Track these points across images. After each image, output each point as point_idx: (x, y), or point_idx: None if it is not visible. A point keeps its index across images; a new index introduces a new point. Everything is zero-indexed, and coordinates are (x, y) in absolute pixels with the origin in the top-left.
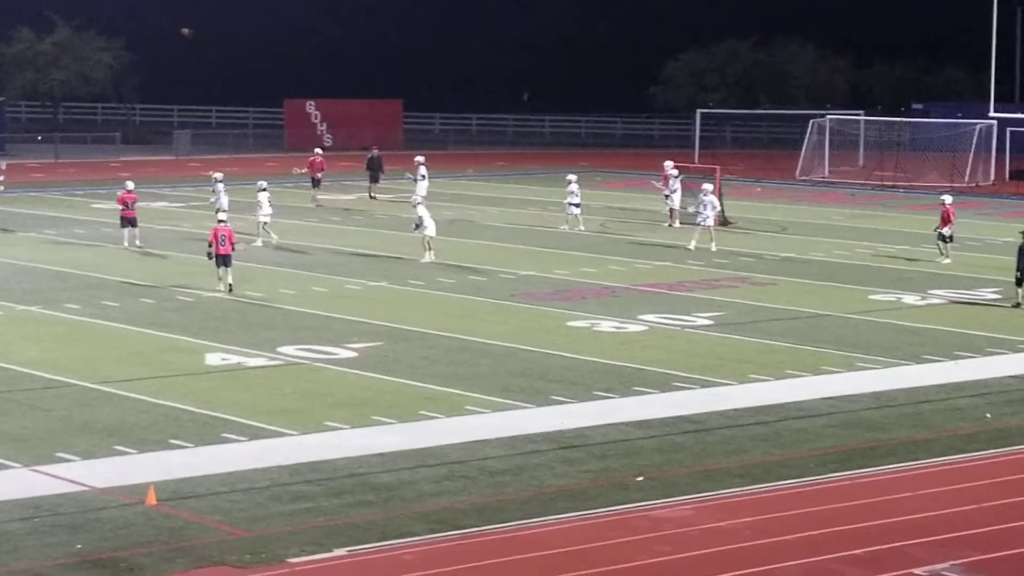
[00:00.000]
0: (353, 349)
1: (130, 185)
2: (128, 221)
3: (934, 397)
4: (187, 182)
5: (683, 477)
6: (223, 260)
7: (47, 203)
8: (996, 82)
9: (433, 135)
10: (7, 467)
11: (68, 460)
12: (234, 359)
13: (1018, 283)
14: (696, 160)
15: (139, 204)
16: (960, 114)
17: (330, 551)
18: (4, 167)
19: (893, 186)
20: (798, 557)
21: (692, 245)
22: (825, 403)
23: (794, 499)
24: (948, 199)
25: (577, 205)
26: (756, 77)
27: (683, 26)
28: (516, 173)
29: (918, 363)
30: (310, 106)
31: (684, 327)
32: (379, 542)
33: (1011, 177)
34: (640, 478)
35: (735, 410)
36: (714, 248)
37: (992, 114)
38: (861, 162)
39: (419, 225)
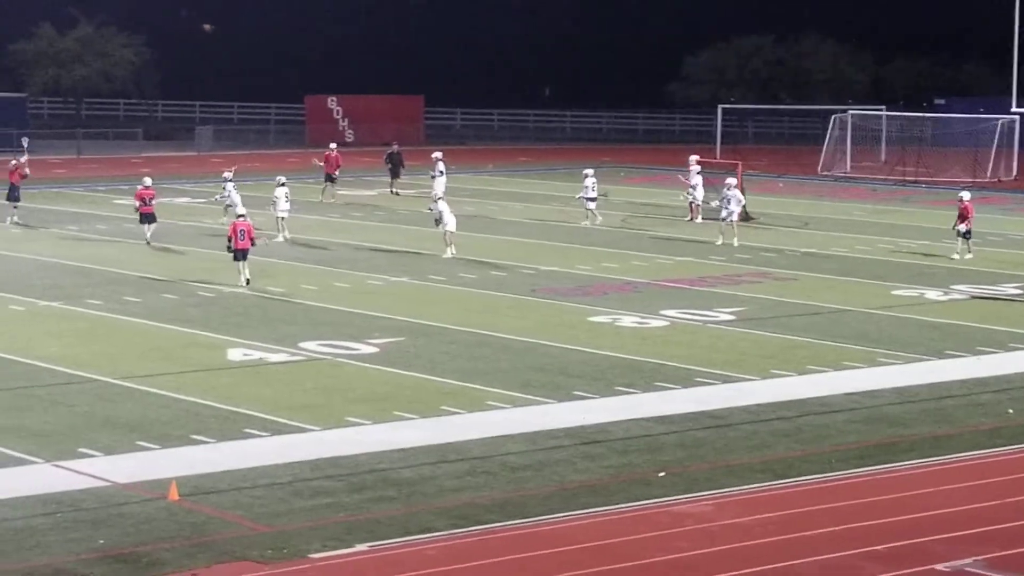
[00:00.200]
0: (374, 344)
1: (148, 181)
2: (147, 217)
3: (956, 393)
4: (209, 178)
5: (705, 473)
6: (241, 254)
7: (69, 199)
8: (1018, 77)
9: (454, 131)
10: (30, 462)
11: (90, 455)
12: (256, 355)
13: None
14: (718, 156)
15: (162, 200)
16: (982, 109)
17: (351, 546)
18: (25, 160)
19: (915, 181)
20: (820, 553)
21: (728, 240)
22: (847, 399)
23: (816, 495)
24: (966, 195)
25: (593, 200)
26: (777, 73)
27: (704, 22)
28: (537, 169)
29: (940, 358)
30: (331, 102)
31: (706, 322)
32: (400, 537)
33: None
34: (662, 474)
35: (757, 405)
36: (736, 243)
37: (1014, 109)
38: (883, 157)
39: (439, 221)
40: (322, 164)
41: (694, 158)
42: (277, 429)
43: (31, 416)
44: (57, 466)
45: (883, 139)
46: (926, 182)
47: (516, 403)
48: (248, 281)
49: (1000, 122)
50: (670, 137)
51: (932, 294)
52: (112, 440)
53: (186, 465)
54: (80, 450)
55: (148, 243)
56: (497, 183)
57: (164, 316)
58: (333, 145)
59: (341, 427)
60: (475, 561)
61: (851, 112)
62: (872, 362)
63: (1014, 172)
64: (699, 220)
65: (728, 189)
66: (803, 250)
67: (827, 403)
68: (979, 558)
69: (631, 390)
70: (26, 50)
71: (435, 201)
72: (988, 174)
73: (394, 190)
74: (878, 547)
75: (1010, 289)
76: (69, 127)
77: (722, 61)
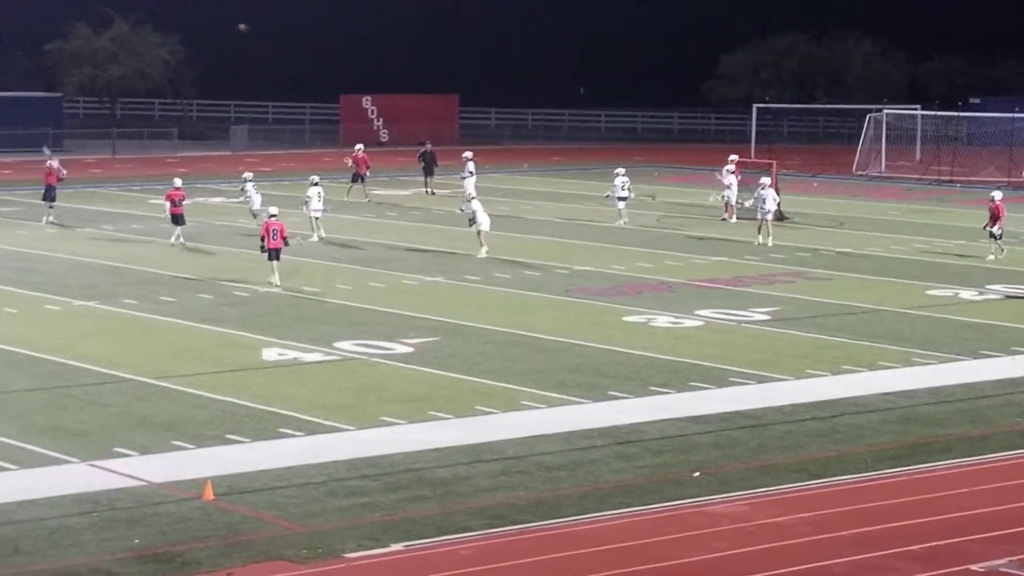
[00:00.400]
0: (409, 344)
1: (178, 182)
2: (177, 218)
3: (991, 392)
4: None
5: (739, 473)
6: (273, 254)
7: (104, 199)
8: None
9: (489, 130)
10: (65, 462)
11: (126, 455)
12: (291, 354)
13: None
14: (752, 155)
15: (196, 200)
16: (1017, 108)
17: (387, 546)
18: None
19: (950, 181)
20: (854, 553)
21: (764, 240)
22: (882, 399)
23: (851, 495)
24: (998, 195)
25: (623, 199)
26: (812, 71)
27: (739, 21)
28: (572, 168)
29: (975, 358)
30: (366, 101)
31: (740, 322)
32: (435, 537)
33: None
34: (696, 474)
35: (791, 405)
36: (770, 243)
37: None
38: (918, 157)
39: (473, 220)
40: (353, 165)
41: (733, 158)
42: (312, 429)
43: (67, 416)
44: (93, 466)
45: (918, 138)
46: (961, 181)
47: (551, 403)
48: (275, 282)
49: None
50: (705, 136)
51: (967, 294)
52: (147, 440)
53: (221, 465)
54: (116, 450)
55: (173, 244)
56: (531, 183)
57: (199, 316)
58: (359, 146)
59: (376, 427)
60: (509, 561)
61: (886, 111)
62: (907, 362)
63: None
64: (734, 220)
65: (762, 188)
66: (838, 250)
67: (862, 403)
68: (1014, 558)
69: (665, 390)
70: (62, 50)
71: (468, 201)
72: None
73: (429, 190)
74: (913, 547)
75: None
76: (104, 127)
77: (758, 60)
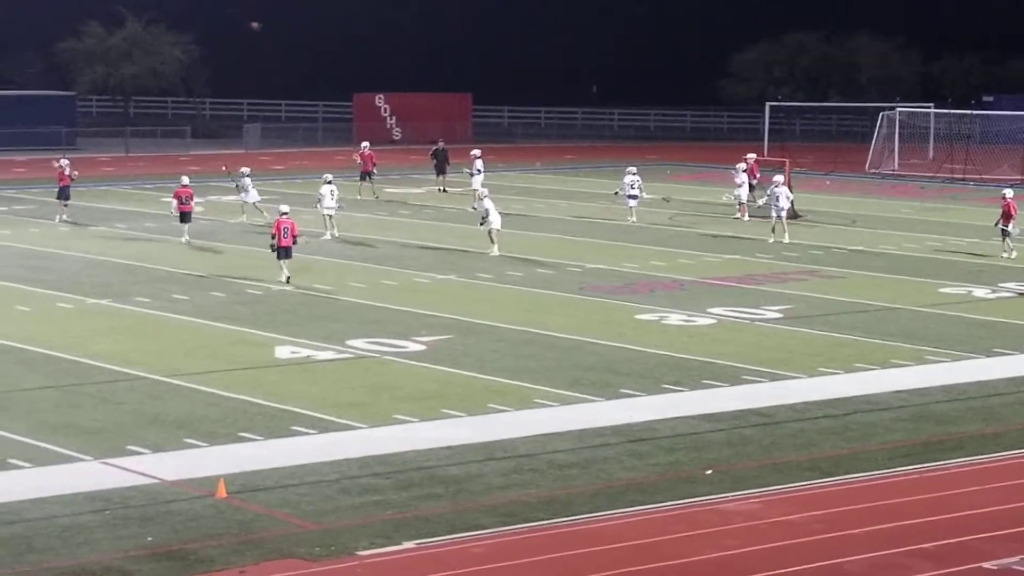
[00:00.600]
0: (422, 342)
1: (185, 180)
2: (185, 216)
3: (1004, 391)
4: (257, 176)
5: (752, 471)
6: (284, 252)
7: (117, 197)
8: None
9: (502, 128)
10: (78, 460)
11: (139, 453)
12: (303, 352)
13: None
14: (765, 153)
15: (209, 198)
16: None
17: (399, 544)
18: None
19: (963, 179)
20: (867, 551)
21: (779, 237)
22: (895, 396)
23: (863, 493)
24: (1009, 193)
25: (634, 197)
26: (825, 70)
27: (751, 19)
28: (585, 166)
29: (988, 356)
30: (379, 99)
31: (753, 320)
32: (448, 535)
33: None
34: (709, 472)
35: (804, 403)
36: (786, 240)
37: None
38: (931, 155)
39: (485, 218)
40: (359, 162)
41: (751, 156)
42: (325, 427)
43: (80, 414)
44: (106, 463)
45: (931, 136)
46: (974, 180)
47: (563, 401)
48: (288, 279)
49: None
50: (718, 135)
51: (980, 292)
52: (160, 438)
53: (234, 463)
54: (128, 447)
55: (184, 242)
56: (544, 181)
57: (212, 314)
58: (365, 144)
59: (389, 425)
60: (522, 559)
61: (899, 109)
62: (920, 360)
63: None
64: (746, 218)
65: (776, 186)
66: (851, 248)
67: (874, 401)
68: None
69: (678, 388)
70: (75, 48)
71: (480, 199)
72: None
73: (442, 188)
74: (925, 545)
75: None
76: (117, 125)
77: (770, 58)
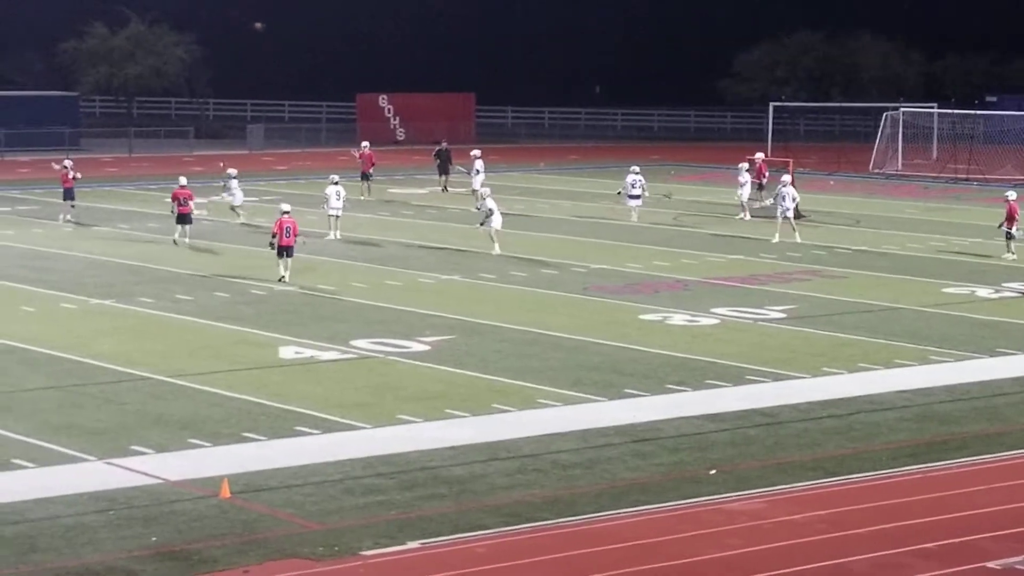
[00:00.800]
0: (425, 343)
1: (183, 181)
2: (183, 217)
3: (1008, 390)
4: (260, 176)
5: (756, 470)
6: (285, 251)
7: (121, 197)
8: None
9: (505, 128)
10: (82, 460)
11: (142, 453)
12: (307, 352)
13: None
14: (769, 153)
15: (213, 199)
16: None
17: (403, 544)
18: (69, 164)
19: (966, 179)
20: (870, 551)
21: (784, 237)
22: (898, 396)
23: (867, 492)
24: (1012, 195)
25: (635, 197)
26: (828, 70)
27: (754, 19)
28: (588, 167)
29: (992, 356)
30: (383, 100)
31: (757, 320)
32: (451, 535)
33: None
34: (713, 471)
35: (808, 403)
36: (798, 239)
37: None
38: (934, 155)
39: (488, 218)
40: (359, 158)
41: (760, 155)
42: (328, 427)
43: (83, 414)
44: (109, 464)
45: (934, 136)
46: (978, 180)
47: (567, 401)
48: (285, 278)
49: None
50: (722, 135)
51: (983, 292)
52: (164, 438)
53: (237, 463)
54: (132, 448)
55: (175, 242)
56: (548, 181)
57: (215, 314)
58: (365, 144)
59: (392, 425)
60: (525, 559)
61: (902, 109)
62: (923, 360)
63: None
64: (748, 218)
65: (783, 186)
66: (854, 248)
67: (878, 401)
68: None
69: (682, 388)
70: (78, 49)
71: (483, 199)
72: None
73: (444, 188)
74: (929, 545)
75: None
76: (121, 126)
77: (774, 58)
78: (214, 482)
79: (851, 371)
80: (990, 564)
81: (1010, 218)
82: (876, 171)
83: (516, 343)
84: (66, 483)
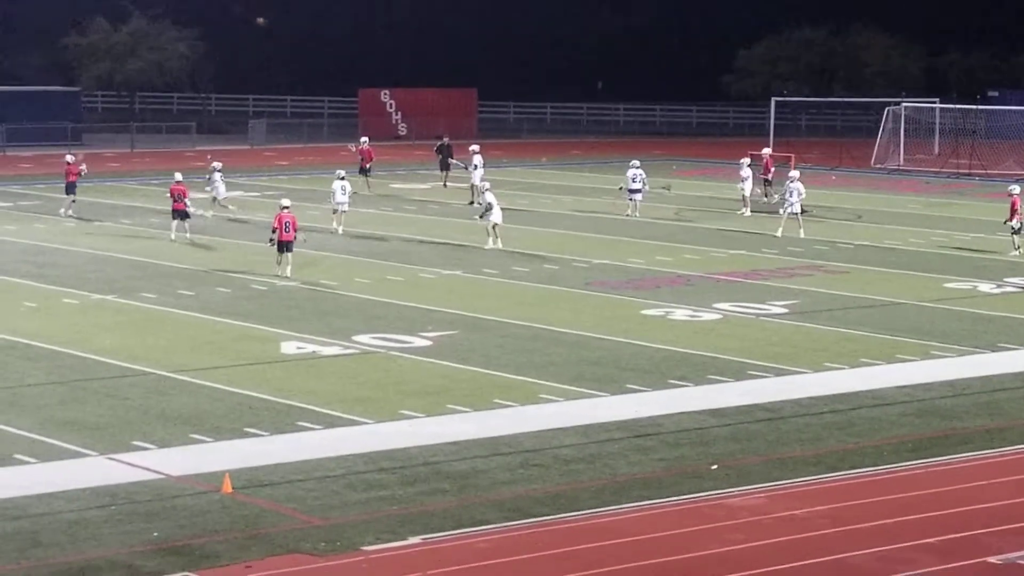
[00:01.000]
0: (427, 338)
1: (178, 176)
2: (179, 213)
3: (1009, 385)
4: (262, 171)
5: (757, 465)
6: (285, 246)
7: (123, 193)
8: None
9: (508, 124)
10: (84, 455)
11: (144, 448)
12: (309, 347)
13: None
14: (771, 148)
15: (214, 194)
16: None
17: (404, 539)
18: (81, 157)
19: (968, 174)
20: (872, 545)
21: (800, 233)
22: (900, 391)
23: (869, 487)
24: (1015, 189)
25: (636, 191)
26: (830, 65)
27: (758, 14)
28: (591, 162)
29: (993, 351)
30: (385, 95)
31: (759, 315)
32: (453, 530)
33: None
34: (714, 466)
35: (809, 398)
36: (801, 235)
37: None
38: (936, 150)
39: (487, 212)
40: (356, 152)
41: (767, 151)
42: (330, 422)
43: (85, 409)
44: (111, 459)
45: (936, 131)
46: (979, 175)
47: (569, 396)
48: (282, 273)
49: None
50: (724, 130)
51: (985, 287)
52: (166, 433)
53: (239, 458)
54: (134, 443)
55: (174, 239)
56: (550, 176)
57: (217, 309)
58: (364, 139)
59: (394, 420)
60: (527, 554)
61: (904, 104)
62: (925, 355)
63: None
64: (748, 213)
65: (791, 182)
66: (856, 243)
67: (880, 396)
68: None
69: (683, 383)
70: (80, 44)
71: (482, 193)
72: None
73: (445, 183)
74: (931, 539)
75: None
76: (123, 121)
77: (776, 53)
78: (216, 477)
79: (853, 366)
80: (991, 559)
81: (1013, 213)
82: (878, 166)
83: (518, 338)
84: (68, 478)
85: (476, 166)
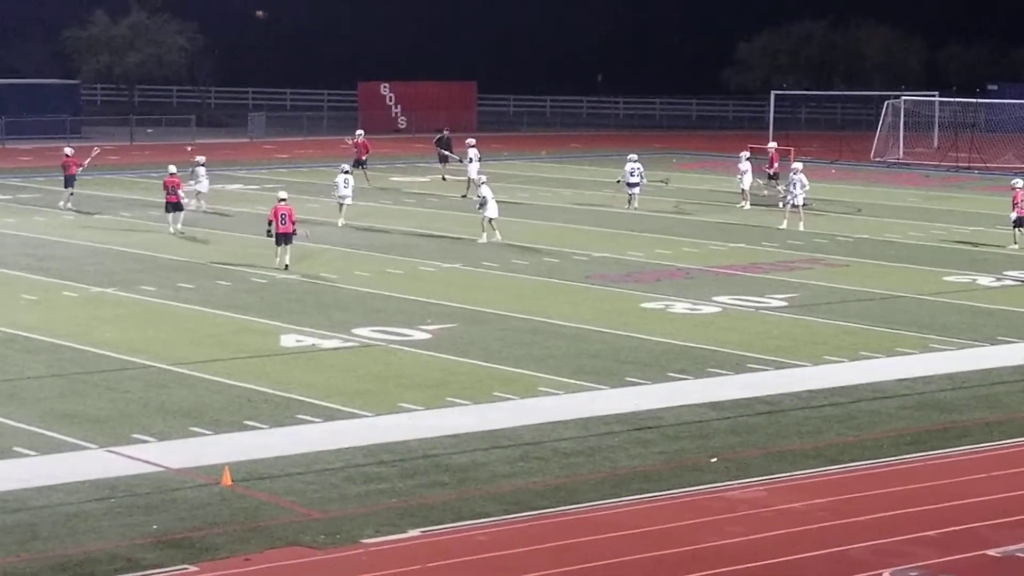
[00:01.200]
0: (427, 331)
1: (172, 169)
2: (173, 206)
3: (1008, 379)
4: (262, 164)
5: (757, 458)
6: (283, 238)
7: (123, 185)
8: None
9: (507, 117)
10: (84, 448)
11: (144, 441)
12: (309, 340)
13: None
14: (771, 141)
15: (214, 187)
16: None
17: (404, 532)
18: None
19: (968, 167)
20: (872, 538)
21: (790, 226)
22: (899, 384)
23: (868, 480)
24: (1018, 183)
25: (634, 184)
26: (830, 58)
27: (757, 7)
28: (590, 155)
29: (993, 344)
30: (384, 88)
31: (758, 308)
32: (453, 523)
33: None
34: (714, 459)
35: (809, 391)
36: (801, 228)
37: None
38: (936, 143)
39: (483, 204)
40: (352, 146)
41: (773, 145)
42: (330, 415)
43: (85, 402)
44: (111, 452)
45: (936, 125)
46: (979, 168)
47: (568, 389)
48: (287, 266)
49: None
50: (723, 123)
51: (984, 280)
52: (166, 426)
53: (239, 451)
54: (134, 436)
55: (172, 232)
56: (549, 169)
57: (217, 302)
58: (360, 132)
59: (394, 413)
60: (527, 547)
61: (904, 98)
62: (924, 348)
63: None
64: (747, 206)
65: (794, 174)
66: (856, 236)
67: (879, 389)
68: None
69: (683, 376)
70: (79, 37)
71: (478, 186)
72: None
73: (443, 176)
74: (930, 532)
75: None
76: (122, 114)
77: (775, 47)
78: (215, 470)
79: (852, 359)
80: (990, 552)
81: (1015, 206)
82: (877, 159)
83: (517, 331)
84: (68, 471)
85: (472, 159)
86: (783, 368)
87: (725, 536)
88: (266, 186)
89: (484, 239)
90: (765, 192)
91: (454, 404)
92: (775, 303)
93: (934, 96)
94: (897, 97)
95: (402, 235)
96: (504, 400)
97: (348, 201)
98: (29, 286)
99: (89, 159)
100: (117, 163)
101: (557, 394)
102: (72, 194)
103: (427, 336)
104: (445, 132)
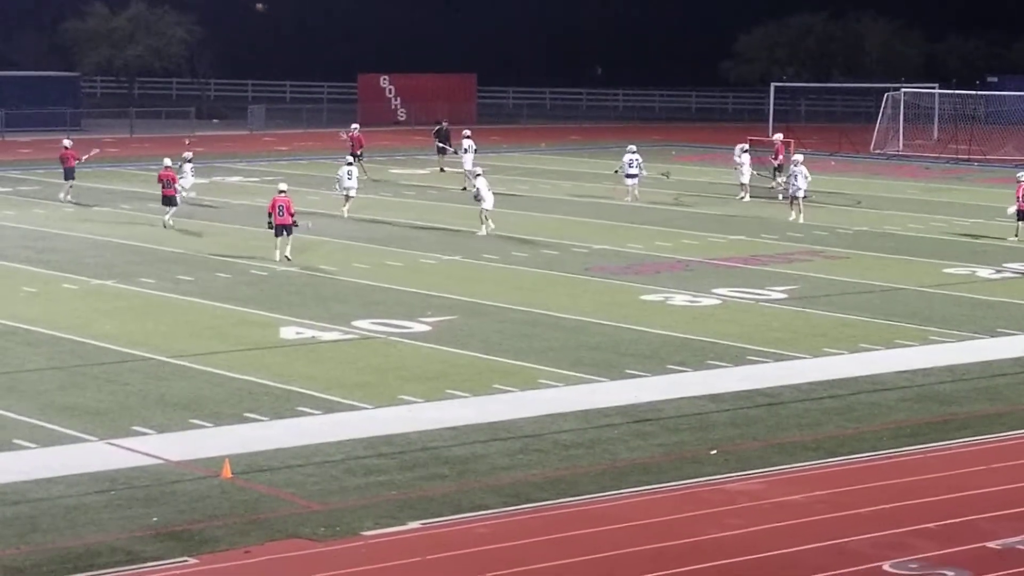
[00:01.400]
0: (427, 323)
1: (167, 162)
2: (167, 200)
3: (1008, 371)
4: (261, 157)
5: (756, 451)
6: (282, 230)
7: (122, 178)
8: None
9: (507, 109)
10: (84, 440)
11: (144, 433)
12: (308, 333)
13: None
14: (770, 134)
15: (214, 179)
16: None
17: (404, 524)
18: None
19: (967, 160)
20: (871, 531)
21: (795, 217)
22: (899, 376)
23: (867, 472)
24: (1023, 175)
25: (632, 176)
26: (829, 50)
27: (756, 0)
28: (590, 147)
29: (992, 336)
30: (384, 80)
31: (758, 300)
32: (452, 515)
33: None
34: (713, 452)
35: (809, 384)
36: (801, 220)
37: None
38: (935, 135)
39: (478, 197)
40: (347, 139)
41: (779, 136)
42: (330, 407)
43: (85, 394)
44: (111, 444)
45: (935, 117)
46: (979, 160)
47: (568, 381)
48: (288, 258)
49: None
50: (723, 116)
51: (984, 272)
52: (166, 418)
53: (239, 443)
54: (134, 428)
55: (164, 226)
56: (549, 162)
57: (217, 294)
58: (355, 126)
59: (394, 405)
60: (526, 539)
61: (904, 90)
62: (924, 340)
63: None
64: (747, 199)
65: (795, 166)
66: (856, 228)
67: (879, 381)
68: None
69: (683, 368)
70: (79, 29)
71: (474, 178)
72: None
73: (442, 168)
74: (930, 525)
75: None
76: (122, 106)
77: (775, 39)
78: (215, 462)
79: (852, 351)
80: (990, 544)
81: (1019, 199)
82: (877, 151)
83: (517, 323)
84: (67, 463)
85: (467, 150)
86: (783, 360)
87: (725, 528)
88: (266, 178)
89: (483, 231)
90: (772, 184)
91: (454, 396)
92: (775, 295)
93: (934, 88)
94: (897, 89)
95: (401, 227)
96: (504, 392)
97: (353, 192)
98: (29, 278)
99: (87, 156)
100: (117, 155)
101: (557, 386)
102: (72, 186)
103: (427, 328)
104: (444, 123)
